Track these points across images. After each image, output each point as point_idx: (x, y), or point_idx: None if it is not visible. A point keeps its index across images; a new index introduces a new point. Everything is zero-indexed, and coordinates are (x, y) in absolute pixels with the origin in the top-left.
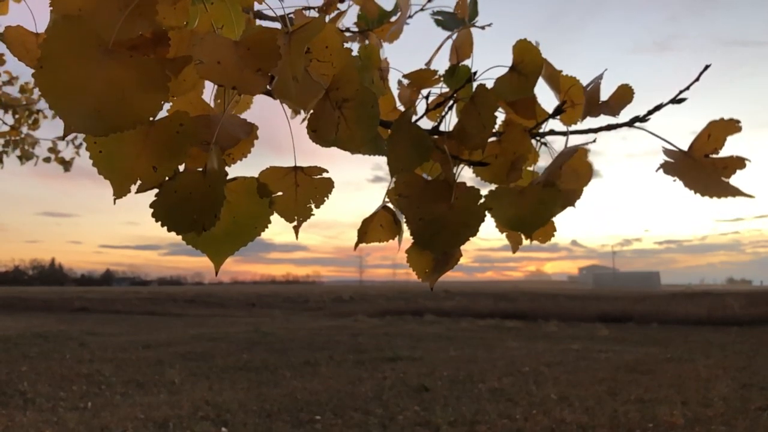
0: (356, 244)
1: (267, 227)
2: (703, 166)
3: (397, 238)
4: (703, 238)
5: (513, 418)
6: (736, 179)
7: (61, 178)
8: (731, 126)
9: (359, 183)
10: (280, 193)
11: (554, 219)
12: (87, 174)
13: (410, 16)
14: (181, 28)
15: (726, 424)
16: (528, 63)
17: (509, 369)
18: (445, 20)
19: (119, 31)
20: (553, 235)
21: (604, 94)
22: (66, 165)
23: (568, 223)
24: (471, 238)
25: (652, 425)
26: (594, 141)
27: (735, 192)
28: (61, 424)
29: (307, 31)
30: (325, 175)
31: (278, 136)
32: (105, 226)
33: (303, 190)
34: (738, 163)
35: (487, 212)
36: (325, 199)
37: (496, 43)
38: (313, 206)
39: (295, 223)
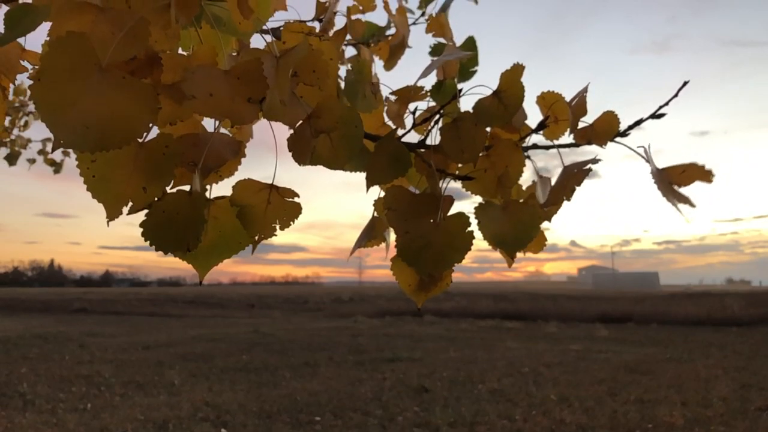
0: (351, 254)
1: (250, 243)
2: (668, 192)
3: (384, 245)
4: (702, 239)
5: (513, 418)
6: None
7: (60, 179)
8: (705, 174)
9: (359, 184)
10: (251, 205)
11: (548, 225)
12: None
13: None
14: (180, 54)
15: (725, 425)
16: (510, 95)
17: (509, 370)
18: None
19: (113, 53)
20: (544, 246)
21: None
22: (56, 167)
23: (566, 224)
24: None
25: (652, 426)
26: (598, 161)
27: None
28: (60, 426)
29: (293, 55)
30: (296, 199)
31: (279, 138)
32: (104, 226)
33: (272, 209)
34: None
35: (475, 224)
36: (291, 222)
37: (496, 43)
38: (277, 227)
39: (256, 238)
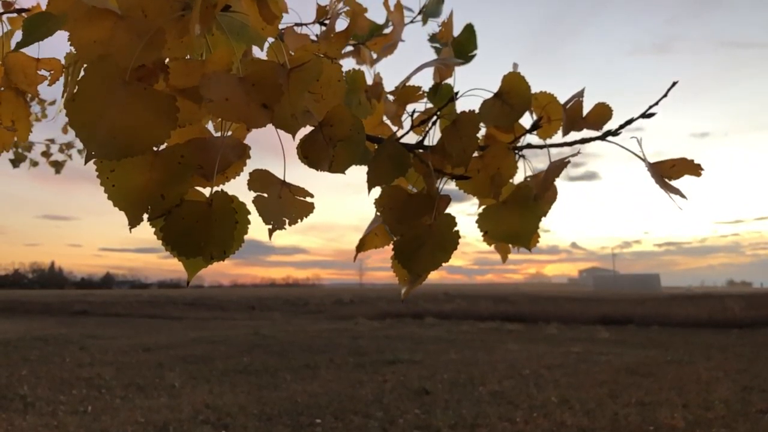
0: (355, 256)
1: (241, 246)
2: (663, 185)
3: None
4: (702, 240)
5: (513, 421)
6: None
7: (60, 180)
8: (694, 168)
9: (359, 185)
10: (264, 195)
11: (549, 227)
12: (87, 177)
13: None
14: (195, 60)
15: (727, 427)
16: (515, 95)
17: (510, 372)
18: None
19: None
20: (538, 242)
21: (599, 101)
22: (58, 167)
23: (567, 226)
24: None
25: (653, 428)
26: (578, 153)
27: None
28: (61, 428)
29: (307, 72)
30: (308, 199)
31: (283, 138)
32: (105, 228)
33: (283, 203)
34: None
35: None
36: (300, 220)
37: (496, 45)
38: (286, 222)
39: (270, 226)
